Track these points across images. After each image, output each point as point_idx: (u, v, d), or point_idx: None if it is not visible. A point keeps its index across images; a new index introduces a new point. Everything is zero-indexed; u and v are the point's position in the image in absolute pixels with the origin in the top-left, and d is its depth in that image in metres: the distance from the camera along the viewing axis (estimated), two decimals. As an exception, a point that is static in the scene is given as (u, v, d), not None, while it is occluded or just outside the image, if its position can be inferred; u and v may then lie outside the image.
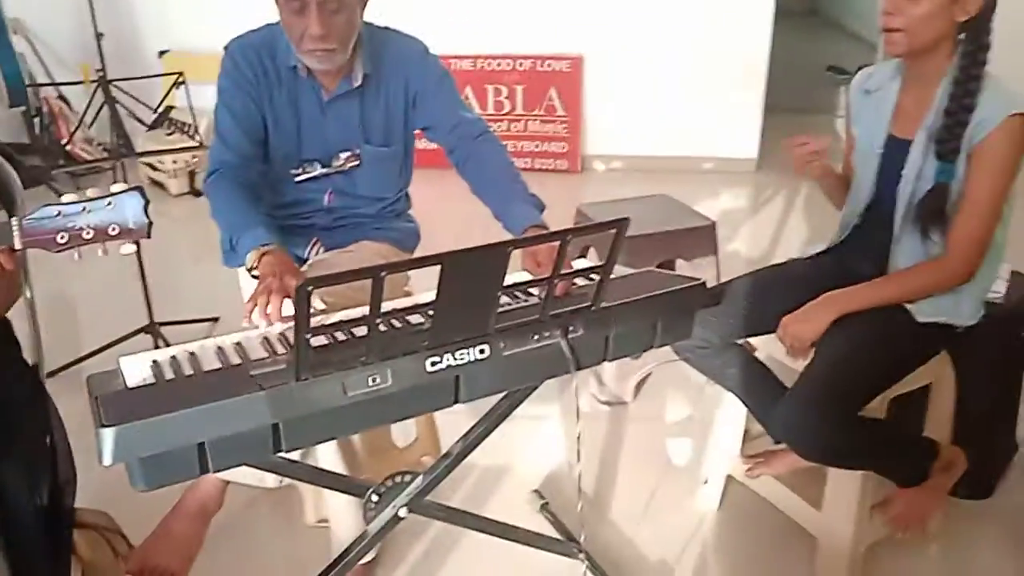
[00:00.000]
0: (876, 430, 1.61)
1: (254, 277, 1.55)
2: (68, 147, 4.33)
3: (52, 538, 1.55)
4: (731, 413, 1.99)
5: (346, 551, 1.58)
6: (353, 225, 1.90)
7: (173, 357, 1.31)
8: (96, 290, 3.16)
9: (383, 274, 1.12)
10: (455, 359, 1.27)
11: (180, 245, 3.81)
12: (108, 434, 1.09)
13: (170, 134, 4.32)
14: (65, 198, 1.30)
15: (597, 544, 1.93)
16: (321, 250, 1.89)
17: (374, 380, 1.22)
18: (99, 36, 4.27)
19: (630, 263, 1.69)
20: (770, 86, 4.50)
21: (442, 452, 2.10)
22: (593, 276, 1.41)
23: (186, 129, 4.32)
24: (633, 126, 4.58)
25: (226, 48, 1.80)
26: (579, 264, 1.58)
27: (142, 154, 3.15)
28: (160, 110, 4.24)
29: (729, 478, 2.05)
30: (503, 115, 4.58)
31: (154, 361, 1.29)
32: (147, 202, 1.32)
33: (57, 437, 1.62)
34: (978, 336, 1.72)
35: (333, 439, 1.58)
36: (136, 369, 1.27)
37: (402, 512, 1.54)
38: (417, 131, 1.90)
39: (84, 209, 1.29)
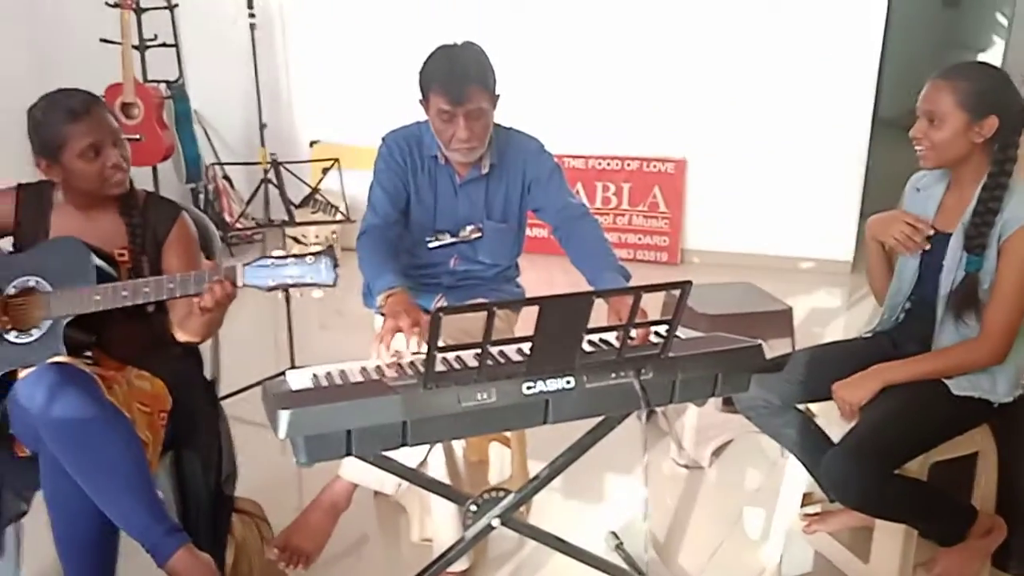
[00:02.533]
0: (912, 487, 1.82)
1: (381, 315, 1.92)
2: (229, 220, 4.99)
3: (216, 517, 1.94)
4: (793, 475, 2.21)
5: (445, 552, 1.89)
6: (472, 285, 2.29)
7: (328, 372, 1.69)
8: (249, 335, 3.67)
9: (495, 309, 1.48)
10: (546, 386, 1.59)
11: (315, 305, 4.32)
12: (284, 415, 1.46)
13: (314, 212, 4.93)
14: (275, 252, 1.75)
15: (663, 583, 2.17)
16: (444, 304, 2.27)
17: (482, 395, 1.55)
18: (263, 126, 4.98)
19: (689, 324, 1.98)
20: (871, 194, 4.72)
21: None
22: (662, 330, 1.72)
23: (327, 209, 4.92)
24: (732, 224, 4.87)
25: (384, 138, 2.25)
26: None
27: (287, 224, 3.67)
28: (311, 191, 4.87)
29: (789, 535, 2.25)
30: (610, 209, 4.97)
31: (313, 374, 1.68)
32: (336, 263, 1.74)
33: (224, 439, 2.03)
34: (1018, 413, 1.92)
35: (447, 439, 1.91)
36: (299, 379, 1.65)
37: (495, 523, 1.84)
38: (529, 211, 2.29)
39: (289, 263, 1.72)
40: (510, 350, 1.67)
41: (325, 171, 4.46)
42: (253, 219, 5.04)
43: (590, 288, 2.03)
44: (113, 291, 1.79)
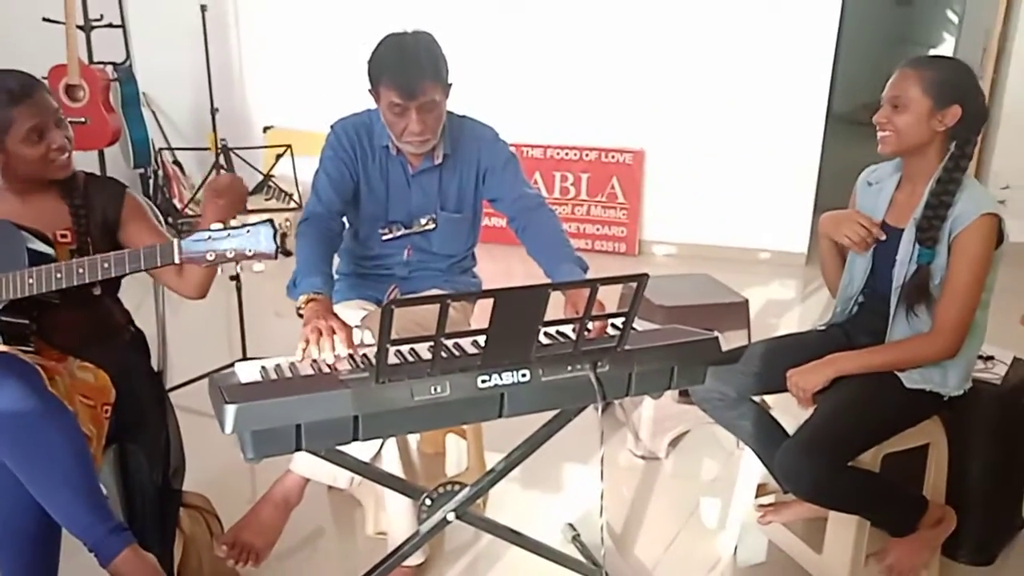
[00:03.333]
0: (864, 479, 1.84)
1: (300, 316, 1.86)
2: (179, 205, 4.87)
3: (163, 512, 1.88)
4: (748, 466, 2.22)
5: (399, 546, 1.86)
6: (426, 277, 2.25)
7: (277, 365, 1.65)
8: (198, 326, 3.58)
9: (449, 302, 1.45)
10: (501, 379, 1.57)
11: (269, 292, 4.23)
12: (230, 410, 1.41)
13: (268, 198, 4.84)
14: (214, 224, 1.68)
15: (618, 574, 2.16)
16: (397, 294, 2.23)
17: (435, 389, 1.52)
18: (214, 111, 4.86)
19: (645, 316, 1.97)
20: (826, 188, 4.78)
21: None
22: (619, 322, 1.71)
23: (282, 196, 4.83)
24: (689, 216, 4.90)
25: (332, 126, 2.19)
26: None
27: (247, 211, 3.58)
28: (264, 177, 4.77)
29: (744, 526, 2.26)
30: (568, 199, 4.95)
31: (262, 367, 1.63)
32: (276, 231, 1.68)
33: (172, 432, 1.97)
34: (968, 406, 1.95)
35: (399, 434, 1.88)
36: (248, 371, 1.61)
37: (450, 516, 1.81)
38: (484, 201, 2.25)
39: (227, 235, 1.66)
40: (465, 343, 1.65)
41: (278, 157, 4.38)
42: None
43: (547, 280, 2.01)
44: (47, 273, 1.72)
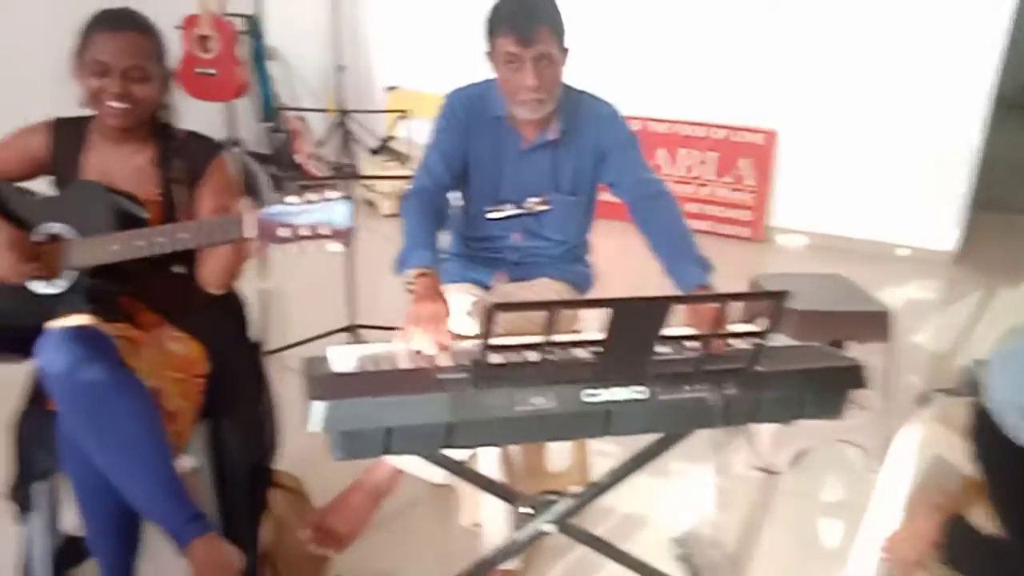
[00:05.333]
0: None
1: (408, 290, 1.77)
2: (301, 162, 4.90)
3: (254, 491, 1.83)
4: (887, 504, 1.98)
5: (493, 553, 1.75)
6: (536, 263, 2.10)
7: (374, 354, 1.55)
8: (307, 289, 3.56)
9: (560, 308, 1.30)
10: (611, 395, 1.41)
11: (383, 258, 4.19)
12: (319, 407, 1.32)
13: (387, 161, 4.80)
14: (288, 199, 1.58)
15: (726, 602, 2.00)
16: (506, 281, 2.10)
17: (538, 400, 1.39)
18: (339, 68, 4.83)
19: (798, 338, 1.76)
20: (986, 182, 4.33)
21: (588, 483, 2.26)
22: (751, 340, 1.52)
23: (402, 158, 4.78)
24: (822, 203, 4.55)
25: (448, 95, 2.07)
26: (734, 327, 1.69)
27: (362, 177, 3.54)
28: (384, 139, 4.73)
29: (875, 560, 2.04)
30: (692, 178, 4.69)
31: (359, 356, 1.53)
32: (353, 209, 1.56)
33: (267, 407, 1.92)
34: None
35: (494, 446, 1.76)
36: (342, 359, 1.51)
37: (548, 528, 1.69)
38: (601, 184, 2.08)
39: (303, 209, 1.55)
40: (573, 349, 1.50)
41: (397, 120, 4.31)
42: (327, 163, 4.94)
43: (666, 273, 1.84)
44: (129, 240, 1.65)
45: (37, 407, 1.70)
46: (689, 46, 4.55)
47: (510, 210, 2.06)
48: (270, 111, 4.83)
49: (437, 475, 1.95)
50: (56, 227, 1.74)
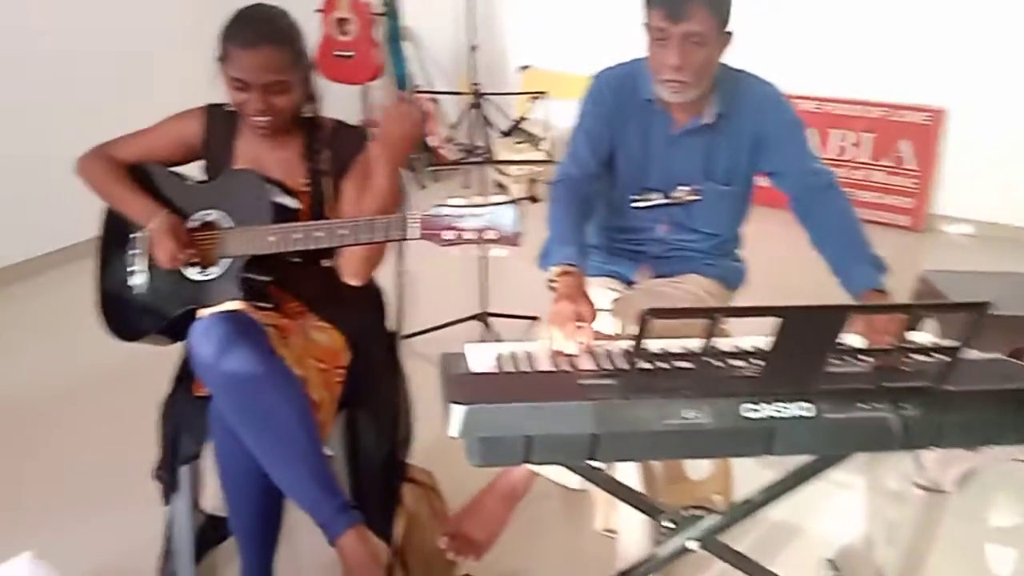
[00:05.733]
0: None
1: (551, 288, 1.68)
2: (433, 145, 4.90)
3: (389, 485, 1.81)
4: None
5: (632, 568, 1.65)
6: (683, 257, 1.97)
7: (513, 353, 1.47)
8: (437, 274, 3.52)
9: (723, 316, 1.17)
10: (775, 411, 1.28)
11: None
12: (458, 411, 1.25)
13: (519, 143, 4.72)
14: (452, 200, 1.51)
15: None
16: (650, 276, 1.97)
17: (691, 414, 1.27)
18: (473, 48, 4.79)
19: (974, 344, 1.56)
20: None
21: (732, 494, 2.12)
22: (937, 355, 1.34)
23: (534, 140, 4.70)
24: (994, 191, 4.13)
25: (595, 76, 1.95)
26: (914, 337, 1.50)
27: (495, 162, 3.47)
28: (516, 121, 4.66)
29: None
30: (844, 161, 4.37)
31: (497, 353, 1.46)
32: (519, 215, 1.48)
33: (402, 399, 1.89)
34: None
35: (641, 460, 1.66)
36: (481, 357, 1.44)
37: (692, 545, 1.57)
38: (760, 174, 1.92)
39: (470, 212, 1.48)
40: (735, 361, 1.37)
41: (532, 100, 4.22)
42: (458, 145, 4.92)
43: (834, 273, 1.68)
44: (287, 233, 1.64)
45: (185, 391, 1.73)
46: (839, 14, 4.21)
47: (657, 199, 1.93)
48: (404, 92, 4.84)
49: (573, 480, 1.86)
50: (213, 214, 1.75)
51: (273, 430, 1.53)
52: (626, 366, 1.42)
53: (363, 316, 1.86)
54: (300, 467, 1.53)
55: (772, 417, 1.28)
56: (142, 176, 1.82)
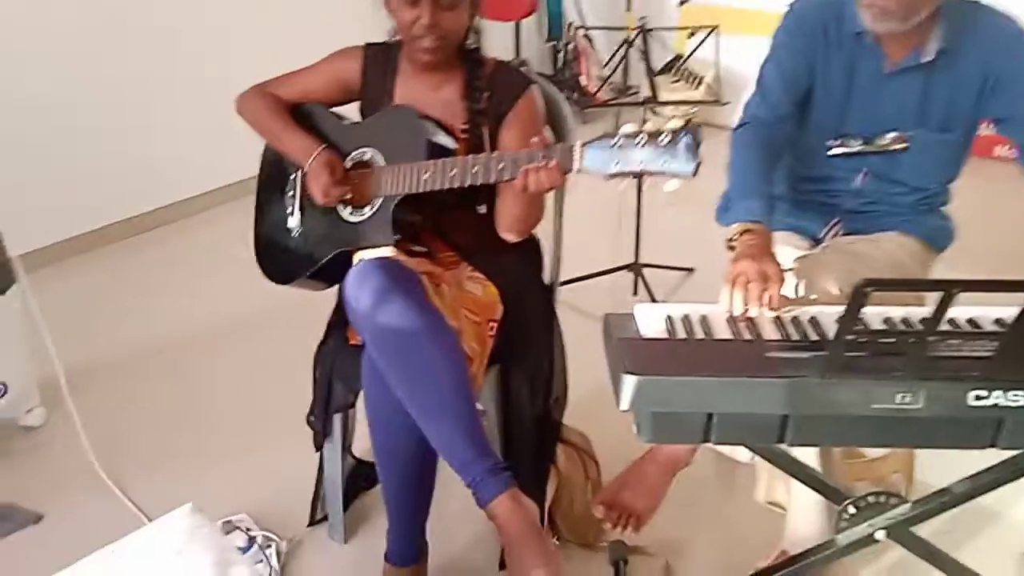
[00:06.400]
0: None
1: (730, 248, 1.51)
2: (585, 84, 4.71)
3: (542, 445, 1.72)
4: None
5: (808, 552, 1.50)
6: (882, 213, 1.74)
7: (686, 316, 1.33)
8: (587, 220, 3.37)
9: (956, 291, 0.98)
10: (1007, 399, 1.08)
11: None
12: (630, 381, 1.13)
13: (675, 81, 4.45)
14: (624, 128, 1.36)
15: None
16: (840, 232, 1.76)
17: (904, 398, 1.10)
18: (630, -20, 4.53)
19: None
20: None
21: (914, 474, 1.90)
22: None
23: (692, 80, 4.41)
24: None
25: (791, 5, 1.73)
26: None
27: (659, 103, 3.24)
28: (674, 58, 4.38)
29: None
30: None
31: (668, 316, 1.32)
32: (699, 142, 1.31)
33: (557, 355, 1.78)
34: None
35: (841, 446, 1.49)
36: (651, 320, 1.31)
37: (879, 535, 1.40)
38: (985, 119, 1.65)
39: (640, 143, 1.33)
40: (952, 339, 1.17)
41: (691, 35, 3.93)
42: (610, 83, 4.70)
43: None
44: (442, 169, 1.54)
45: (340, 338, 1.69)
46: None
47: (856, 146, 1.70)
48: (557, 30, 4.65)
49: (741, 454, 1.71)
50: (368, 152, 1.69)
51: (427, 384, 1.46)
52: (819, 337, 1.25)
53: (519, 268, 1.76)
54: (453, 423, 1.45)
55: (1001, 406, 1.09)
56: (301, 116, 1.78)
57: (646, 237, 2.97)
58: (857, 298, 1.00)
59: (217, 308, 2.92)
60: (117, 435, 2.23)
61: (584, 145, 1.39)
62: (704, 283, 3.02)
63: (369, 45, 1.75)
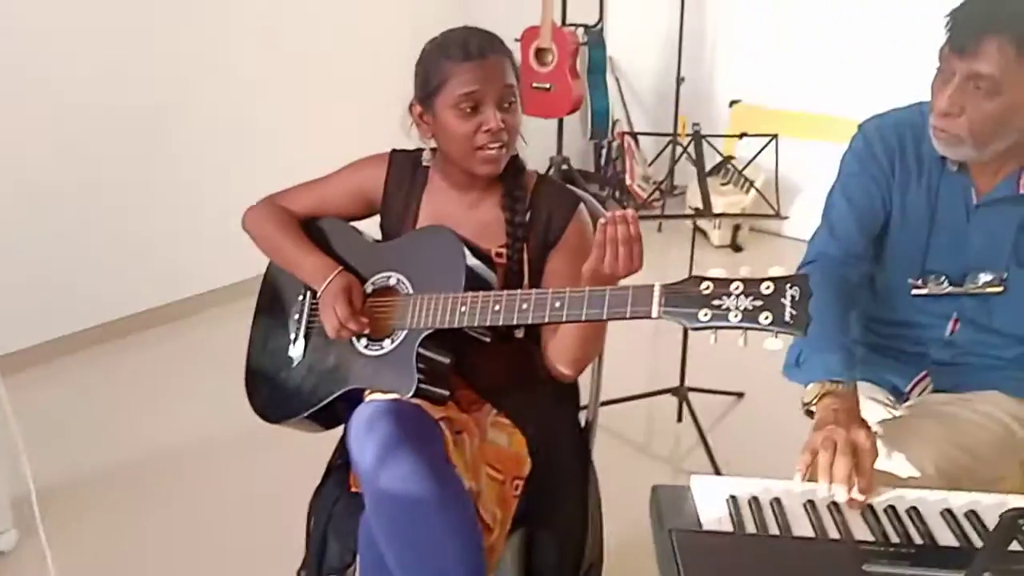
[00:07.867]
0: None
1: (808, 414, 1.29)
2: (629, 184, 4.55)
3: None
4: None
5: None
6: (979, 367, 1.47)
7: (754, 499, 1.09)
8: (630, 343, 3.12)
9: None
10: None
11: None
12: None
13: (724, 183, 4.26)
14: (713, 271, 1.13)
15: None
16: (929, 388, 1.50)
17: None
18: (680, 80, 4.40)
19: None
20: None
21: None
22: None
23: (741, 183, 4.22)
24: None
25: (861, 127, 1.53)
26: None
27: (713, 215, 3.01)
28: (723, 159, 4.22)
29: None
30: None
31: (732, 497, 1.08)
32: (810, 295, 1.07)
33: (593, 513, 1.53)
34: None
35: None
36: (711, 501, 1.08)
37: None
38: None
39: (735, 291, 1.10)
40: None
41: (741, 136, 3.77)
42: (654, 182, 4.54)
43: None
44: (483, 304, 1.32)
45: (339, 484, 1.46)
46: None
47: (944, 287, 1.46)
48: (602, 128, 4.51)
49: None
50: (393, 277, 1.47)
51: (430, 564, 1.21)
52: (924, 541, 1.00)
53: (551, 409, 1.52)
54: None
55: None
56: (315, 230, 1.58)
57: (693, 357, 2.71)
58: (1005, 532, 0.75)
59: (206, 423, 2.65)
60: (89, 568, 2.02)
61: (665, 289, 1.15)
62: (754, 411, 2.76)
63: (395, 152, 1.57)
